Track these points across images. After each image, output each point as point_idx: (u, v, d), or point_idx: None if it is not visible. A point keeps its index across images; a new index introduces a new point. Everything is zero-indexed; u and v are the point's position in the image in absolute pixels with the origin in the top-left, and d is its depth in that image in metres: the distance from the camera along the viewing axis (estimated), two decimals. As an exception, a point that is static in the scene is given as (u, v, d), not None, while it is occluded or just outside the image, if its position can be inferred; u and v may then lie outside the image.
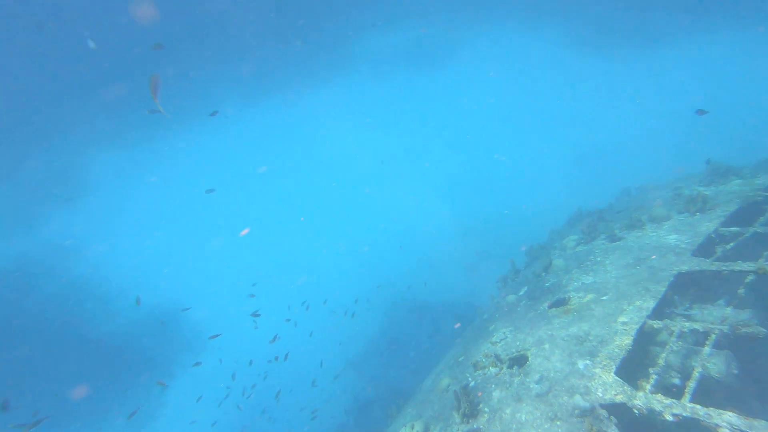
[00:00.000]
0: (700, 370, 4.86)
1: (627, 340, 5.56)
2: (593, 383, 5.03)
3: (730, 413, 3.81)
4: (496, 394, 5.96)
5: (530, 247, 13.46)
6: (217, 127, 30.96)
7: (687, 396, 4.32)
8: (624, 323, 6.02)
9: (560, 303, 7.89)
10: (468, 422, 5.71)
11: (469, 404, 5.82)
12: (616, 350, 5.48)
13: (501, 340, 7.57)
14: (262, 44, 21.79)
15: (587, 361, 5.54)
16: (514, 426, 5.10)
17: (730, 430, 3.71)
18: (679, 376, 5.58)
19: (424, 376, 10.13)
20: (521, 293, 9.76)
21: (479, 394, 6.19)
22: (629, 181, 16.35)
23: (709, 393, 5.86)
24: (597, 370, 5.24)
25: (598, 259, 8.78)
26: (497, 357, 6.97)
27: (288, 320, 15.83)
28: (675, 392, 4.99)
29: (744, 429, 3.62)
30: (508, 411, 5.43)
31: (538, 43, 33.56)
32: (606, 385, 4.92)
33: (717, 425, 3.79)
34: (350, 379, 22.06)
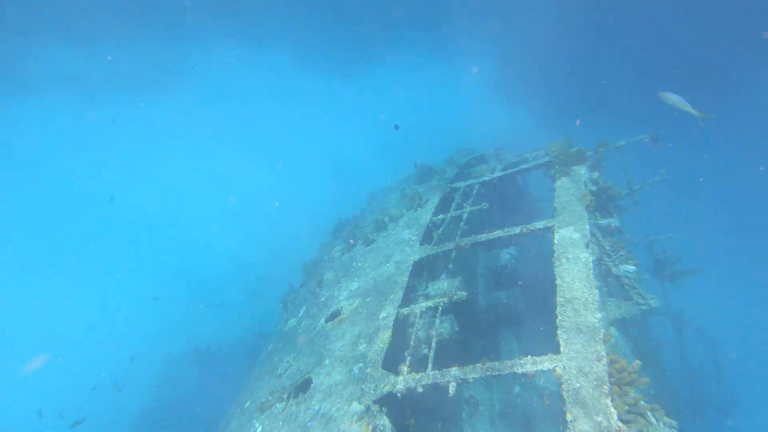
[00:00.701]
0: (436, 338, 6.29)
1: (387, 334, 6.59)
2: (366, 385, 5.72)
3: (454, 368, 5.09)
4: (284, 431, 5.92)
5: (304, 264, 14.13)
6: None
7: (429, 365, 5.49)
8: (384, 318, 7.12)
9: (335, 315, 8.61)
10: None
11: None
12: (381, 345, 6.41)
13: (285, 370, 7.59)
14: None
15: (360, 365, 6.25)
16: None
17: (455, 381, 4.96)
18: (426, 347, 7.06)
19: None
20: (301, 314, 10.10)
21: None
22: (374, 187, 19.50)
23: (446, 352, 7.66)
24: (369, 371, 5.99)
25: (359, 264, 10.07)
26: (283, 390, 6.95)
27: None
28: (425, 362, 6.26)
29: (463, 377, 4.91)
30: None
31: (268, 67, 36.17)
32: (376, 381, 5.68)
33: (448, 381, 4.99)
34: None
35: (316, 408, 5.90)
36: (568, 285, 5.56)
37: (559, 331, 4.96)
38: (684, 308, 14.28)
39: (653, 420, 4.89)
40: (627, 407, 4.68)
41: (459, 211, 9.12)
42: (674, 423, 5.00)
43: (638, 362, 5.02)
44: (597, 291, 5.39)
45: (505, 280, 12.22)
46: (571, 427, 3.93)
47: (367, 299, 8.07)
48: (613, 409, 3.97)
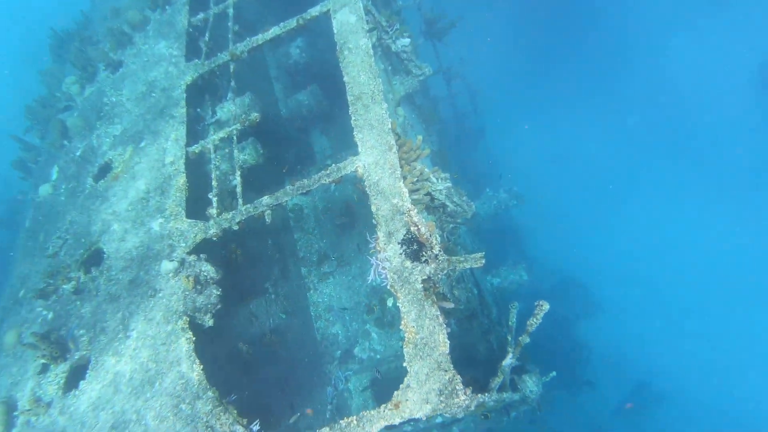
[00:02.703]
0: (240, 168, 5.98)
1: (182, 180, 5.92)
2: (174, 239, 5.38)
3: (265, 197, 5.10)
4: (85, 309, 5.51)
5: (28, 106, 10.41)
6: None
7: (240, 200, 5.36)
8: (172, 163, 6.23)
9: (105, 171, 7.14)
10: (65, 360, 5.25)
11: (53, 345, 5.18)
12: (178, 194, 5.81)
13: (60, 247, 6.49)
14: None
15: (160, 220, 5.70)
16: (121, 326, 5.10)
17: (269, 209, 5.06)
18: (233, 177, 6.75)
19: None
20: (54, 176, 8.05)
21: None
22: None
23: (258, 176, 7.57)
24: (171, 224, 5.55)
25: (114, 99, 7.93)
26: (68, 268, 6.10)
27: None
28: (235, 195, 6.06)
29: (275, 203, 5.02)
30: (108, 316, 5.26)
31: None
32: (184, 233, 5.38)
33: (262, 211, 5.06)
34: None
35: (120, 277, 5.48)
36: (355, 80, 5.58)
37: (354, 132, 5.22)
38: (451, 63, 16.72)
39: (434, 180, 6.16)
40: (415, 179, 5.72)
41: (222, 5, 7.39)
42: (447, 176, 6.40)
43: (420, 138, 5.88)
44: (380, 80, 5.59)
45: (301, 79, 11.71)
46: (376, 214, 4.66)
47: (141, 145, 6.77)
48: (405, 189, 4.77)
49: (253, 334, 6.52)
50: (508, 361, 4.92)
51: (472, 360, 7.89)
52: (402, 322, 3.89)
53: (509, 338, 5.36)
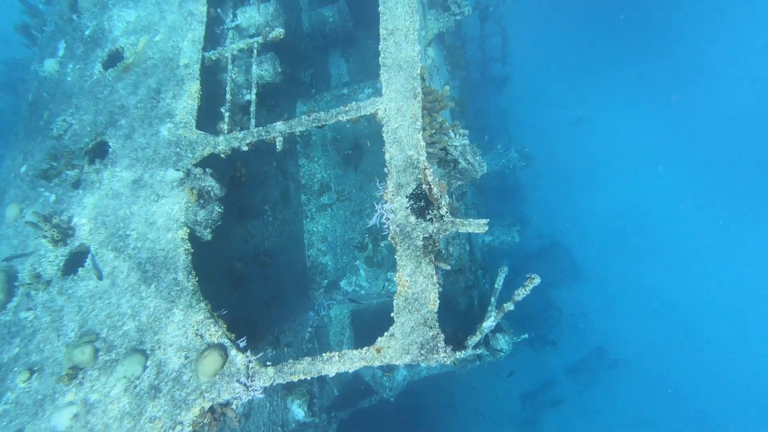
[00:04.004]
0: (257, 84, 5.71)
1: (195, 86, 5.65)
2: (181, 147, 5.28)
3: (279, 123, 4.93)
4: (88, 200, 5.54)
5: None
6: None
7: (252, 121, 5.19)
8: (186, 65, 5.91)
9: (115, 59, 6.78)
10: (65, 244, 5.38)
11: (56, 228, 5.28)
12: (190, 101, 5.59)
13: (65, 131, 6.35)
14: None
15: (169, 125, 5.55)
16: (122, 223, 5.18)
17: (281, 136, 4.92)
18: (247, 92, 6.50)
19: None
20: (61, 53, 7.64)
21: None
22: None
23: (272, 94, 7.26)
24: (180, 132, 5.41)
25: (129, -24, 7.29)
26: (71, 154, 6.04)
27: None
28: (247, 111, 5.87)
29: (289, 131, 4.87)
30: (109, 211, 5.32)
31: None
32: (192, 143, 5.26)
33: (273, 137, 4.93)
34: None
35: (124, 174, 5.45)
36: (391, 11, 5.14)
37: (381, 71, 4.94)
38: (490, 1, 15.44)
39: (453, 135, 5.98)
40: (434, 131, 5.54)
41: None
42: (465, 132, 6.21)
43: (447, 88, 5.61)
44: (418, 17, 5.18)
45: (329, -11, 10.81)
46: (388, 163, 4.57)
47: (156, 38, 6.36)
48: (422, 143, 4.63)
49: (247, 252, 6.69)
50: (488, 323, 5.16)
51: (451, 310, 8.29)
52: (396, 276, 4.00)
53: (492, 300, 5.58)
